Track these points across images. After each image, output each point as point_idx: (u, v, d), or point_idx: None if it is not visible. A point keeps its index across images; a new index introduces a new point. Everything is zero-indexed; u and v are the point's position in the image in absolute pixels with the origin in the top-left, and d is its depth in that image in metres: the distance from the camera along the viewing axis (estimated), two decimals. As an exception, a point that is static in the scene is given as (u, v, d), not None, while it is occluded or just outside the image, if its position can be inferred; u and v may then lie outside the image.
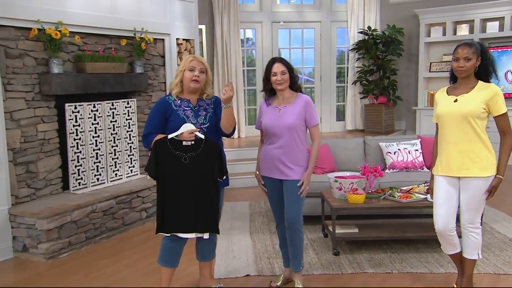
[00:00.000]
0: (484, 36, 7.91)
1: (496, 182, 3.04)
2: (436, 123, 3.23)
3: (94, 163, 5.00)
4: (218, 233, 3.26)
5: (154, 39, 5.73)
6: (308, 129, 3.38)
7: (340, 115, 9.49)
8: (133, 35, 5.40)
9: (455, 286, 3.29)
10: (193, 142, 3.02)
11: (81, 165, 4.86)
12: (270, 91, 3.39)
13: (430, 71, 8.58)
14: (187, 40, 6.28)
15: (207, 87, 3.20)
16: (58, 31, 4.50)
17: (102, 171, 5.08)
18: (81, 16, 4.85)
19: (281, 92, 3.32)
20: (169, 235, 3.12)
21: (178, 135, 3.01)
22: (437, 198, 3.18)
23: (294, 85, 3.37)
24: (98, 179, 5.03)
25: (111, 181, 5.15)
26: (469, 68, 3.00)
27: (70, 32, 4.66)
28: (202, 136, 3.04)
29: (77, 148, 4.82)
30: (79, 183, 4.85)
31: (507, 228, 4.61)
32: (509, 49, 7.73)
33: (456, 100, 3.06)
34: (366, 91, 8.87)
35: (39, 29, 4.42)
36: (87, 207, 4.49)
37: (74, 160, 4.80)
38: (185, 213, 3.07)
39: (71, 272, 3.89)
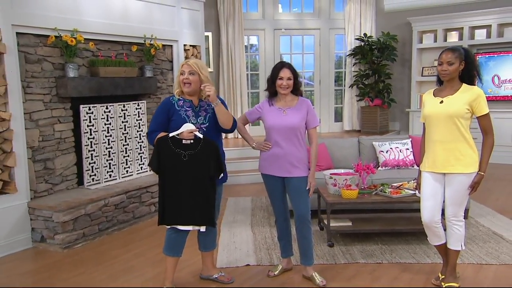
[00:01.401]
0: (473, 43, 7.90)
1: (478, 178, 3.06)
2: (423, 123, 3.25)
3: (107, 160, 5.03)
4: (214, 227, 3.26)
5: (163, 45, 5.75)
6: (306, 131, 3.39)
7: (338, 116, 9.49)
8: (143, 42, 5.42)
9: (439, 275, 3.31)
10: (192, 141, 3.03)
11: (94, 162, 4.90)
12: (272, 93, 3.38)
13: (422, 75, 8.57)
14: (193, 46, 6.29)
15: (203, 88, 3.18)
16: (74, 38, 4.53)
17: (114, 168, 5.12)
18: (95, 24, 4.88)
19: (284, 95, 3.34)
20: (169, 227, 3.16)
21: (178, 133, 3.03)
22: (423, 193, 3.21)
23: (296, 91, 3.37)
24: (110, 175, 5.07)
25: (122, 177, 5.18)
26: (452, 71, 3.03)
27: (85, 39, 4.69)
28: (201, 136, 3.05)
29: (91, 147, 4.86)
30: (93, 179, 4.89)
31: (491, 222, 4.62)
32: (495, 55, 7.71)
33: (442, 102, 3.08)
34: (362, 94, 8.87)
35: (56, 36, 4.46)
36: (99, 201, 4.52)
37: (88, 157, 4.83)
38: (183, 207, 3.08)
39: (85, 261, 3.93)
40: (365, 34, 8.67)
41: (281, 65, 3.31)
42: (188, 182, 3.06)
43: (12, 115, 4.13)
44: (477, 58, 7.77)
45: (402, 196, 4.07)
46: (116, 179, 5.12)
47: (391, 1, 8.86)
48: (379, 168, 5.17)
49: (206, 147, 3.06)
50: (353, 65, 8.98)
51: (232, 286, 3.38)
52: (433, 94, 3.18)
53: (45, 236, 4.27)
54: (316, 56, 9.20)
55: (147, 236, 4.50)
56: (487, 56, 7.78)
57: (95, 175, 4.91)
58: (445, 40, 8.25)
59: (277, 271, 3.53)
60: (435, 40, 8.32)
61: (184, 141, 3.03)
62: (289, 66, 3.31)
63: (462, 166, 3.04)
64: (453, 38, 8.16)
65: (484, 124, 3.09)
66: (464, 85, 3.08)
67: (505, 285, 3.28)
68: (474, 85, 3.11)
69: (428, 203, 3.17)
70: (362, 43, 8.67)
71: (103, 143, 4.97)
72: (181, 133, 3.02)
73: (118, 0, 5.14)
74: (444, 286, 3.19)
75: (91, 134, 4.84)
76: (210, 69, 8.46)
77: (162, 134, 3.07)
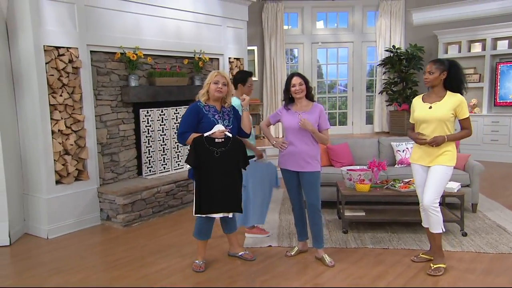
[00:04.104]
0: (495, 53, 7.54)
1: (439, 139, 3.08)
2: (413, 123, 3.32)
3: (161, 155, 5.30)
4: (242, 212, 3.37)
5: (210, 58, 5.95)
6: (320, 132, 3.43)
7: (369, 119, 9.35)
8: (193, 56, 5.66)
9: (420, 254, 3.43)
10: (223, 140, 3.15)
11: (151, 157, 5.18)
12: (289, 100, 3.46)
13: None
14: (237, 59, 6.46)
15: (228, 97, 3.29)
16: (135, 54, 4.83)
17: (168, 161, 5.38)
18: (153, 42, 5.14)
19: (299, 100, 3.39)
20: (203, 216, 3.26)
21: (211, 133, 3.14)
22: (416, 182, 3.30)
23: (309, 95, 3.43)
24: (164, 167, 5.33)
25: (174, 170, 5.43)
26: (432, 80, 3.08)
27: (144, 54, 4.99)
28: (230, 135, 3.17)
29: (148, 143, 5.14)
30: (150, 170, 5.17)
31: (498, 216, 4.44)
32: (517, 64, 7.31)
33: (431, 107, 3.12)
34: (391, 100, 8.68)
35: (121, 53, 4.77)
36: (153, 188, 4.77)
37: (146, 152, 5.12)
38: (216, 197, 3.18)
39: (139, 237, 4.18)
40: (393, 46, 8.48)
41: (291, 75, 3.40)
42: (220, 175, 3.17)
43: (85, 117, 4.48)
44: (499, 67, 7.39)
45: (409, 191, 4.02)
46: (169, 170, 5.37)
47: (419, 16, 8.59)
48: (396, 166, 5.11)
49: (234, 145, 3.19)
50: (383, 73, 8.81)
51: (254, 263, 3.50)
52: (422, 100, 3.21)
53: (110, 215, 4.58)
54: (349, 66, 9.10)
55: (191, 220, 4.60)
56: (508, 65, 7.37)
57: (151, 167, 5.19)
58: (469, 50, 7.90)
59: (294, 252, 3.62)
60: (460, 51, 7.99)
61: (216, 140, 3.14)
62: (299, 74, 3.40)
63: (443, 160, 3.11)
64: (476, 48, 7.80)
65: (465, 125, 3.16)
66: (448, 92, 3.14)
67: (495, 272, 3.19)
68: (462, 93, 3.11)
69: (420, 189, 3.24)
70: (391, 54, 8.49)
71: (158, 140, 5.25)
72: (213, 133, 3.14)
73: (172, 22, 5.39)
74: (433, 267, 3.17)
75: (148, 133, 5.13)
76: (255, 78, 8.64)
77: (195, 134, 3.16)
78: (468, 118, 3.12)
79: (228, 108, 3.32)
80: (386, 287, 3.01)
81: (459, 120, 3.12)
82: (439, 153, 3.11)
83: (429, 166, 3.17)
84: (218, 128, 3.16)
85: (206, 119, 3.19)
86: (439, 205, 3.17)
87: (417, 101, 3.25)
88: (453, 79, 3.09)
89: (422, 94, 3.27)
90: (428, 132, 3.13)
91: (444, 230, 3.20)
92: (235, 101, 3.52)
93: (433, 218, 3.14)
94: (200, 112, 3.21)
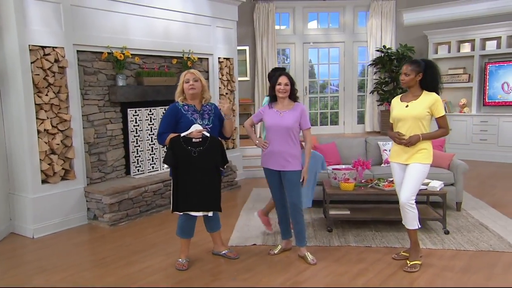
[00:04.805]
0: (484, 53, 7.59)
1: (414, 138, 3.13)
2: (391, 123, 3.36)
3: (150, 154, 5.31)
4: (221, 211, 3.37)
5: (199, 58, 5.96)
6: (302, 131, 3.45)
7: (361, 119, 9.39)
8: (182, 56, 5.67)
9: (401, 252, 3.45)
10: (200, 139, 3.16)
11: (139, 156, 5.19)
12: (272, 97, 3.47)
13: (442, 86, 8.28)
14: (227, 59, 6.47)
15: (204, 93, 3.29)
16: (122, 54, 4.84)
17: (156, 161, 5.38)
18: (141, 42, 5.13)
19: (282, 99, 3.41)
20: (182, 213, 3.27)
21: (188, 133, 3.15)
22: (395, 180, 3.35)
23: (292, 96, 3.44)
24: (153, 167, 5.34)
25: (162, 169, 5.44)
26: (408, 81, 3.13)
27: (132, 54, 4.99)
28: (208, 134, 3.18)
29: (137, 143, 5.15)
30: (138, 169, 5.17)
31: (482, 215, 4.48)
32: (505, 64, 7.36)
33: (407, 106, 3.16)
34: (382, 99, 8.73)
35: (108, 53, 4.76)
36: (140, 188, 4.77)
37: (134, 152, 5.13)
38: (194, 195, 3.19)
39: (126, 236, 4.19)
40: (384, 46, 8.52)
41: (280, 73, 3.40)
42: (198, 174, 3.18)
43: (72, 116, 4.47)
44: (488, 67, 7.45)
45: (393, 189, 4.02)
46: (158, 170, 5.38)
47: (410, 17, 8.64)
48: (382, 165, 5.14)
49: (213, 144, 3.19)
50: (374, 73, 8.85)
51: (237, 262, 3.52)
52: (400, 99, 3.25)
53: (96, 215, 4.58)
54: (341, 66, 9.15)
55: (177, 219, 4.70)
56: (497, 65, 7.43)
57: (140, 166, 5.19)
58: (459, 50, 7.95)
59: (277, 250, 3.63)
60: (449, 51, 8.04)
61: (193, 140, 3.15)
62: (287, 75, 3.40)
63: (419, 158, 3.16)
64: (465, 49, 7.85)
65: (441, 123, 3.19)
66: (424, 92, 3.18)
67: (473, 269, 3.22)
68: (438, 92, 3.15)
69: (399, 188, 3.27)
70: (382, 54, 8.54)
71: (146, 140, 5.25)
72: (191, 132, 3.14)
73: (160, 22, 5.39)
74: (409, 264, 3.20)
75: (136, 133, 5.14)
76: (247, 78, 8.67)
77: (173, 134, 3.17)
78: (444, 116, 3.16)
79: (209, 107, 3.33)
80: (362, 287, 3.03)
81: (435, 118, 3.16)
82: (415, 151, 3.16)
83: (406, 164, 3.21)
84: (196, 127, 3.16)
85: (184, 119, 3.19)
86: (416, 203, 3.20)
87: (395, 101, 3.31)
88: (429, 80, 3.14)
89: (401, 95, 3.32)
90: (404, 130, 3.18)
91: (419, 226, 3.24)
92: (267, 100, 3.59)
93: (409, 215, 3.18)
94: (178, 112, 3.21)
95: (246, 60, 8.57)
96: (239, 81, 7.15)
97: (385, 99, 8.65)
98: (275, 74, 3.46)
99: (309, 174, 3.85)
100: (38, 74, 4.15)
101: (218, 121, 3.35)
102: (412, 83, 3.14)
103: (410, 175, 3.15)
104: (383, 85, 8.67)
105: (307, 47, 9.02)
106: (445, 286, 2.92)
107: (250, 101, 8.50)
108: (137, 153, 5.17)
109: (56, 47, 4.29)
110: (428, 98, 3.13)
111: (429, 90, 3.16)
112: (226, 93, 6.47)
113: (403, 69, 3.15)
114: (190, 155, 3.16)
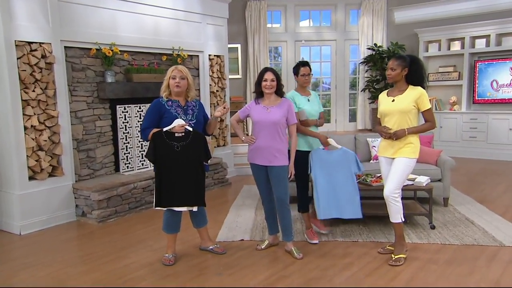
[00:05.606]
0: (473, 51, 7.64)
1: (399, 132, 3.15)
2: (379, 118, 3.36)
3: (139, 151, 5.29)
4: (205, 206, 3.36)
5: (189, 55, 5.95)
6: (288, 127, 3.46)
7: (353, 117, 9.41)
8: (171, 53, 5.65)
9: (386, 246, 3.46)
10: (183, 134, 3.14)
11: (129, 153, 5.17)
12: (259, 93, 3.47)
13: (428, 81, 8.33)
14: (218, 56, 6.46)
15: (189, 91, 3.28)
16: (111, 50, 4.82)
17: (146, 158, 5.35)
18: (130, 39, 5.11)
19: (269, 95, 3.41)
20: (166, 209, 3.26)
21: (171, 128, 3.13)
22: (382, 174, 3.37)
23: (279, 91, 3.45)
24: (142, 164, 5.32)
25: (152, 166, 5.35)
26: (394, 76, 3.13)
27: (121, 51, 4.97)
28: (190, 129, 3.16)
29: (126, 140, 5.13)
30: (127, 166, 5.15)
31: (468, 210, 4.50)
32: (494, 62, 7.40)
33: (393, 100, 3.17)
34: (374, 97, 8.73)
35: (97, 49, 4.74)
36: (129, 184, 4.76)
37: (123, 149, 5.11)
38: (177, 190, 3.17)
39: (114, 232, 4.17)
40: (375, 44, 8.54)
41: (265, 70, 3.40)
42: (181, 169, 3.16)
43: (59, 113, 4.44)
44: (478, 65, 7.50)
45: (380, 185, 4.05)
46: (147, 167, 5.36)
47: (401, 15, 8.67)
48: (371, 161, 5.15)
49: (195, 139, 3.18)
50: (366, 71, 8.88)
51: (224, 257, 3.52)
52: (387, 94, 3.27)
53: (85, 211, 4.56)
54: (332, 64, 9.17)
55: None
56: (486, 63, 7.48)
57: (129, 163, 5.18)
58: (449, 48, 7.99)
59: (264, 245, 3.63)
60: (440, 49, 8.08)
61: (176, 134, 3.14)
62: (272, 70, 3.40)
63: (405, 153, 3.17)
64: (455, 47, 7.89)
65: (427, 117, 3.21)
66: (410, 86, 3.19)
67: (457, 262, 3.23)
68: (423, 86, 3.16)
69: (385, 181, 3.27)
70: (373, 52, 8.55)
71: (136, 137, 5.23)
72: (173, 127, 3.13)
73: (150, 18, 5.38)
74: (394, 258, 3.22)
75: (126, 129, 5.11)
76: (239, 76, 8.66)
77: (155, 130, 3.16)
78: (429, 109, 3.17)
79: (193, 103, 3.32)
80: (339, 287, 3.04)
81: (421, 112, 3.17)
82: (402, 145, 3.17)
83: (393, 158, 3.24)
84: (178, 122, 3.14)
85: (168, 114, 3.18)
86: (403, 198, 3.22)
87: (382, 96, 3.33)
88: (414, 75, 3.15)
89: (388, 90, 3.33)
90: (391, 124, 3.20)
91: (403, 220, 3.25)
92: (289, 94, 3.62)
93: (393, 208, 3.19)
94: (162, 108, 3.20)
95: (238, 58, 8.56)
96: (231, 79, 7.14)
97: (376, 97, 8.65)
98: (261, 70, 3.46)
99: (342, 176, 3.59)
100: (25, 70, 4.12)
101: (202, 117, 3.34)
102: (398, 78, 3.16)
103: (396, 168, 3.17)
104: (375, 83, 8.69)
105: (299, 45, 9.03)
106: (441, 286, 2.90)
107: (242, 99, 8.49)
108: (127, 150, 5.15)
109: (43, 43, 4.26)
110: (413, 92, 3.15)
111: (415, 85, 3.17)
112: (217, 90, 6.46)
113: (389, 64, 3.16)
114: (173, 149, 3.14)
